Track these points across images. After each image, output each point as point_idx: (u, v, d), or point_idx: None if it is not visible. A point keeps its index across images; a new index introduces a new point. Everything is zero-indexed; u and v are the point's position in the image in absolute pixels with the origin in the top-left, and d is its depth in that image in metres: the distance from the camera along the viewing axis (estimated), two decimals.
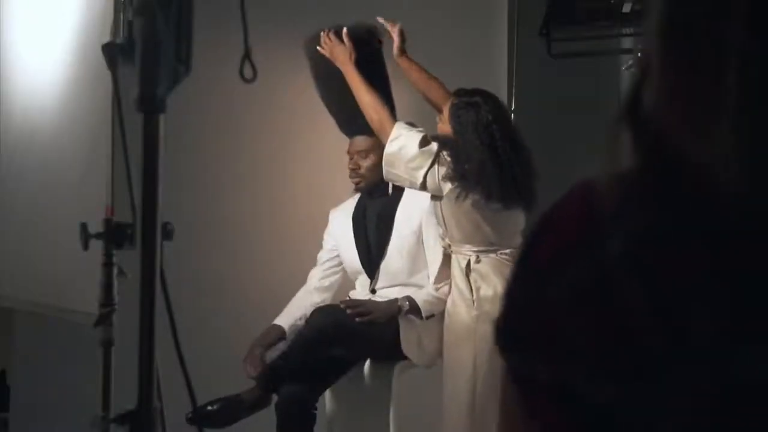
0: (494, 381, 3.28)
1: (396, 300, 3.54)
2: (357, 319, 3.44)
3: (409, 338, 3.54)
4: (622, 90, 4.94)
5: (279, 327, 3.69)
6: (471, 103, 3.31)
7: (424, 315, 3.52)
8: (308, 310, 3.64)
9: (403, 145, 3.32)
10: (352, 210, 3.80)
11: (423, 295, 3.55)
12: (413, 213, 3.61)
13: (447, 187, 3.28)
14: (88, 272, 2.52)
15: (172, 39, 1.40)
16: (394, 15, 3.78)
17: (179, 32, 1.41)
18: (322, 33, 3.58)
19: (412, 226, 3.62)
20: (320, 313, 3.54)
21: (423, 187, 3.34)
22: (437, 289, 3.54)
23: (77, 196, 3.05)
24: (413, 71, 3.61)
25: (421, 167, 3.30)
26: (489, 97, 3.36)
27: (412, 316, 3.53)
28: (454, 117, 3.32)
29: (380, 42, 3.70)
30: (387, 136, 3.35)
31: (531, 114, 4.74)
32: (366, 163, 3.67)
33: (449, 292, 3.52)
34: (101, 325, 2.32)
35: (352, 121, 3.65)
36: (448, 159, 3.27)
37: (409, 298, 3.54)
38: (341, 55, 3.52)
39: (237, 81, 1.49)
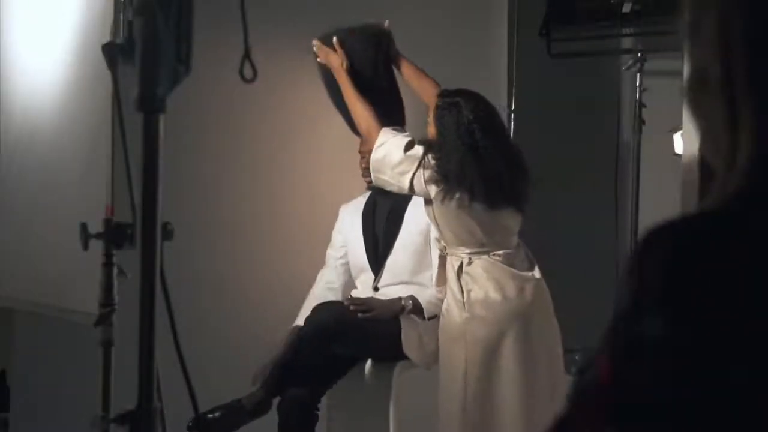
0: (485, 381, 3.28)
1: (399, 299, 3.54)
2: (359, 315, 3.44)
3: (410, 338, 3.54)
4: (622, 90, 4.94)
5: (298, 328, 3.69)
6: (452, 103, 3.30)
7: (426, 316, 3.52)
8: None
9: (389, 152, 3.33)
10: (362, 206, 3.79)
11: (427, 296, 3.54)
12: (422, 212, 3.60)
13: (433, 189, 3.28)
14: (88, 272, 2.52)
15: (172, 39, 1.40)
16: (394, 15, 3.77)
17: (179, 32, 1.40)
18: (313, 43, 3.59)
19: (420, 225, 3.61)
20: (321, 310, 3.53)
21: (411, 190, 3.34)
22: (439, 292, 3.54)
23: (77, 196, 3.05)
24: (407, 69, 3.62)
25: (406, 172, 3.30)
26: (471, 97, 3.33)
27: (414, 316, 3.53)
28: (437, 118, 3.32)
29: (391, 42, 3.66)
30: (374, 143, 3.36)
31: (531, 114, 4.74)
32: None
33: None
34: (101, 325, 2.32)
35: None
36: (433, 162, 3.27)
37: (412, 298, 3.53)
38: (335, 62, 3.54)
39: (237, 81, 1.49)
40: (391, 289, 3.63)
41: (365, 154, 3.67)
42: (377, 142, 3.37)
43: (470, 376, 3.29)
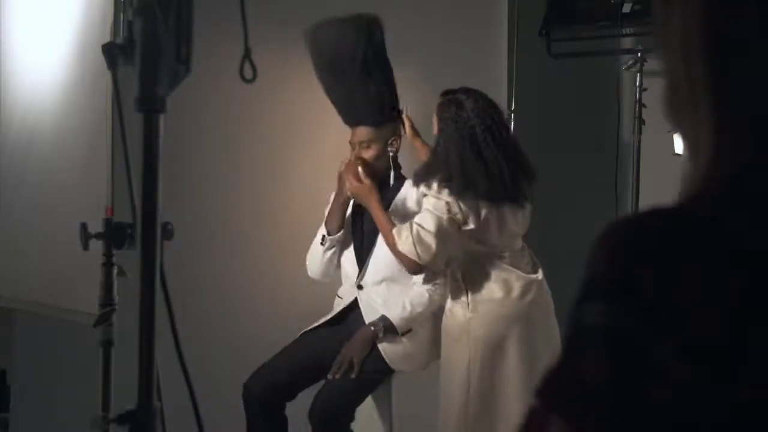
0: (487, 381, 3.28)
1: (369, 327, 3.51)
2: (353, 377, 3.44)
3: (394, 356, 3.52)
4: (622, 90, 4.94)
5: None
6: (452, 100, 3.31)
7: (400, 332, 3.51)
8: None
9: (428, 246, 3.24)
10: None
11: (398, 311, 3.52)
12: (406, 210, 3.56)
13: (471, 214, 3.26)
14: (88, 272, 2.53)
15: (172, 39, 1.40)
16: (394, 15, 3.77)
17: (179, 32, 1.40)
18: (338, 173, 3.54)
19: (402, 223, 3.56)
20: (304, 346, 3.57)
21: (485, 226, 3.29)
22: (414, 283, 3.53)
23: (77, 196, 3.05)
24: (422, 150, 3.67)
25: (453, 227, 3.25)
26: (472, 94, 3.33)
27: (390, 336, 3.52)
28: (439, 114, 3.35)
29: (382, 32, 3.65)
30: (413, 256, 3.28)
31: (531, 114, 4.74)
32: (368, 155, 3.63)
33: (428, 301, 3.51)
34: (101, 325, 2.32)
35: (353, 111, 3.62)
36: (441, 186, 3.25)
37: (383, 319, 3.51)
38: (368, 195, 3.46)
39: (237, 81, 1.49)
40: (375, 289, 3.61)
41: (355, 145, 3.65)
42: (422, 254, 3.26)
43: (473, 375, 3.28)
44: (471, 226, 3.26)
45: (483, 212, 3.26)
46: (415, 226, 3.25)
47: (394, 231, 3.31)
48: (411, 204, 3.57)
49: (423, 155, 3.65)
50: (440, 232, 3.23)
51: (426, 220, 3.25)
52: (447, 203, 3.23)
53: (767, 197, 0.79)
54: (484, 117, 3.28)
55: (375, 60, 3.56)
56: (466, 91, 3.35)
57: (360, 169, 3.50)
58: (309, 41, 3.61)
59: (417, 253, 3.24)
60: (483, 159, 3.23)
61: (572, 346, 0.81)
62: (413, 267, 3.33)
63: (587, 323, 0.79)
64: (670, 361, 0.74)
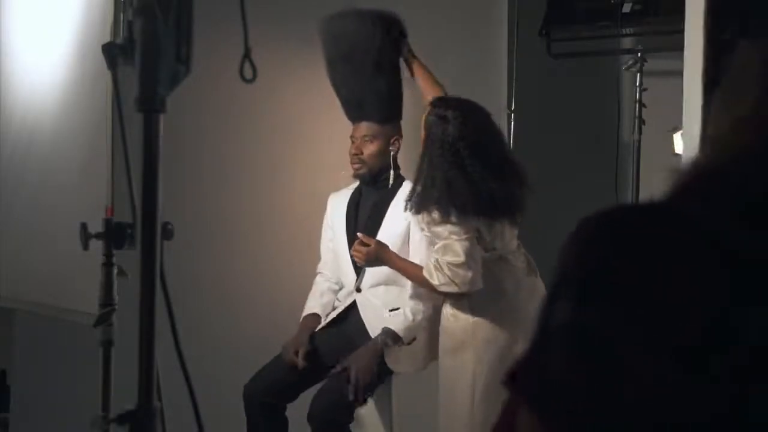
0: (492, 384, 3.26)
1: (375, 342, 3.47)
2: (367, 398, 3.43)
3: (393, 358, 3.51)
4: (622, 90, 4.95)
5: (315, 314, 3.69)
6: (441, 117, 3.20)
7: (405, 342, 3.50)
8: (332, 297, 3.72)
9: (464, 276, 3.17)
10: (348, 198, 3.73)
11: (401, 321, 3.50)
12: (402, 214, 3.52)
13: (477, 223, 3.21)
14: (88, 272, 2.53)
15: (172, 39, 1.40)
16: None
17: (179, 32, 1.41)
18: (353, 249, 3.46)
19: (399, 228, 3.54)
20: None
21: (500, 241, 3.27)
22: (415, 305, 3.51)
23: (77, 196, 3.05)
24: (419, 71, 3.61)
25: (474, 242, 3.19)
26: (461, 112, 3.21)
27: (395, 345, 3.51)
28: (426, 128, 3.26)
29: (401, 35, 3.64)
30: (455, 290, 3.22)
31: (531, 114, 4.75)
32: (369, 149, 3.60)
33: (423, 306, 3.50)
34: (101, 325, 2.32)
35: (358, 106, 3.61)
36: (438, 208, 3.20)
37: (386, 332, 3.48)
38: (382, 253, 3.40)
39: (237, 81, 1.49)
40: (373, 291, 3.60)
41: (357, 139, 3.64)
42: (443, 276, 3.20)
43: (478, 378, 3.24)
44: (486, 238, 3.24)
45: (486, 227, 3.24)
46: (444, 264, 3.18)
47: (425, 274, 3.24)
48: (406, 217, 3.51)
49: (418, 74, 3.61)
50: (468, 256, 3.16)
51: (450, 252, 3.17)
52: (455, 224, 3.18)
53: (753, 195, 0.79)
54: (470, 134, 3.18)
55: (388, 58, 3.57)
56: (455, 106, 3.24)
57: (359, 234, 3.45)
58: (324, 29, 3.61)
59: (457, 286, 3.20)
60: (470, 179, 3.15)
61: (544, 341, 0.80)
62: (458, 296, 3.30)
63: (559, 319, 0.79)
64: (644, 360, 0.73)
